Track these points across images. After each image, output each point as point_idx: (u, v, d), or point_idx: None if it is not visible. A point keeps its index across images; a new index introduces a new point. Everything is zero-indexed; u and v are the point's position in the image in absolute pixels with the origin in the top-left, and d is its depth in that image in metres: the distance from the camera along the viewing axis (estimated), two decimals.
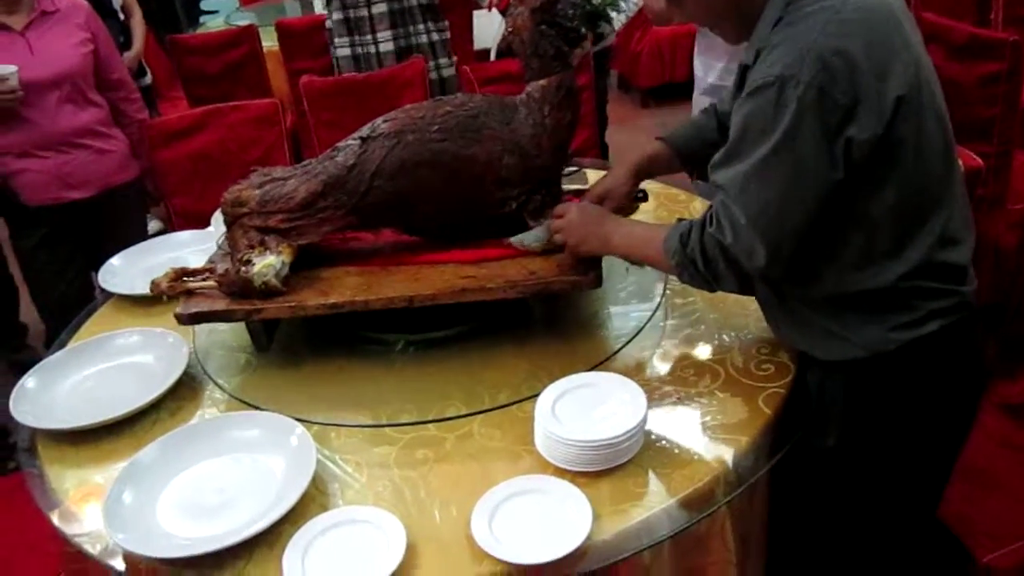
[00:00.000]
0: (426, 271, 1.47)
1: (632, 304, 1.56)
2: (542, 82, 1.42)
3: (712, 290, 1.26)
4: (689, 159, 1.50)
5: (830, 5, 1.08)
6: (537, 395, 1.27)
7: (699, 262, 1.19)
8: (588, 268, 1.40)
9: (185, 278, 1.53)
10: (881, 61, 1.06)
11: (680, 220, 1.26)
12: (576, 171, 1.80)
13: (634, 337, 1.46)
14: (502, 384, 1.37)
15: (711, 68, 2.23)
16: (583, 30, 1.40)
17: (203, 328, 1.62)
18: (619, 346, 1.44)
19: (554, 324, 1.49)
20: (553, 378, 1.30)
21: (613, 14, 1.46)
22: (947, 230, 1.15)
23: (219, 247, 1.61)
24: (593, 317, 1.54)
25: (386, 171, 1.46)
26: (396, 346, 1.51)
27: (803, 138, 1.05)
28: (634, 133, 4.56)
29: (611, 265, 1.48)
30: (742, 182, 1.11)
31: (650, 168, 1.52)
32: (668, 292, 1.58)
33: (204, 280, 1.51)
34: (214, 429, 1.32)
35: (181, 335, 1.56)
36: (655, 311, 1.53)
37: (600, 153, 2.82)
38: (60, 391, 1.50)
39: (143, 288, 1.75)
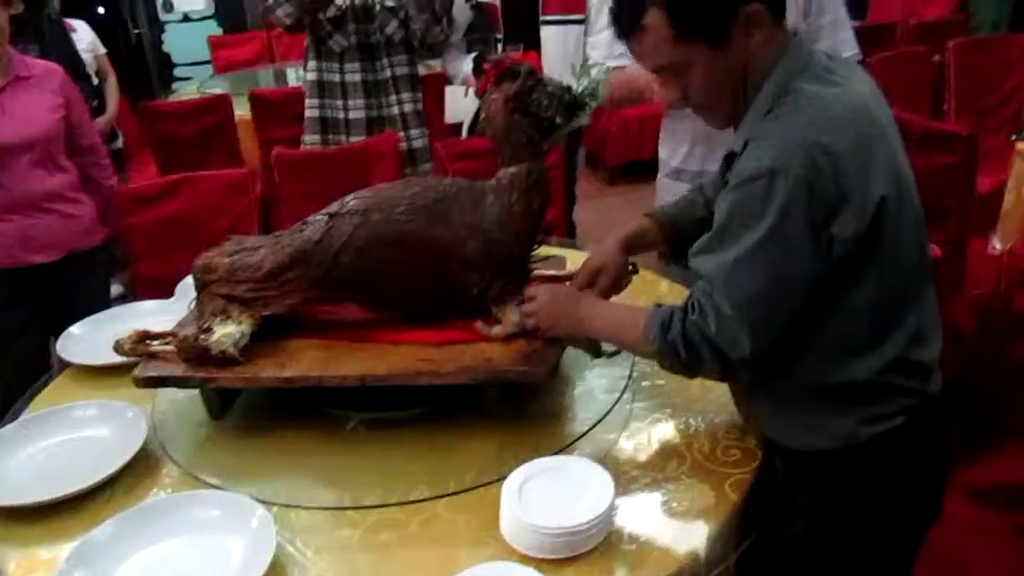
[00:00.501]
0: (387, 350, 1.47)
1: (600, 385, 1.55)
2: (512, 169, 1.45)
3: (692, 377, 1.26)
4: (676, 236, 1.51)
5: (820, 101, 1.11)
6: (504, 477, 1.25)
7: (681, 350, 1.18)
8: (545, 359, 1.40)
9: (148, 341, 1.54)
10: (866, 161, 1.09)
11: (658, 305, 1.26)
12: (555, 257, 1.79)
13: (601, 419, 1.45)
14: (468, 465, 1.35)
15: (675, 152, 2.28)
16: (558, 119, 1.43)
17: (164, 399, 1.60)
18: (586, 428, 1.43)
19: (520, 405, 1.48)
20: (520, 460, 1.28)
21: (592, 102, 1.48)
22: (920, 327, 1.17)
23: (190, 311, 1.60)
24: (560, 397, 1.54)
25: (351, 248, 1.47)
26: (351, 423, 1.50)
27: (790, 231, 1.07)
28: (601, 210, 4.63)
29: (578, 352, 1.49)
30: (727, 271, 1.12)
31: (639, 242, 1.54)
32: (635, 374, 1.58)
33: (166, 344, 1.51)
34: (172, 508, 1.28)
35: (141, 408, 1.52)
36: (622, 393, 1.52)
37: (567, 231, 2.86)
38: (11, 465, 1.45)
39: (103, 358, 1.73)
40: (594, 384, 1.56)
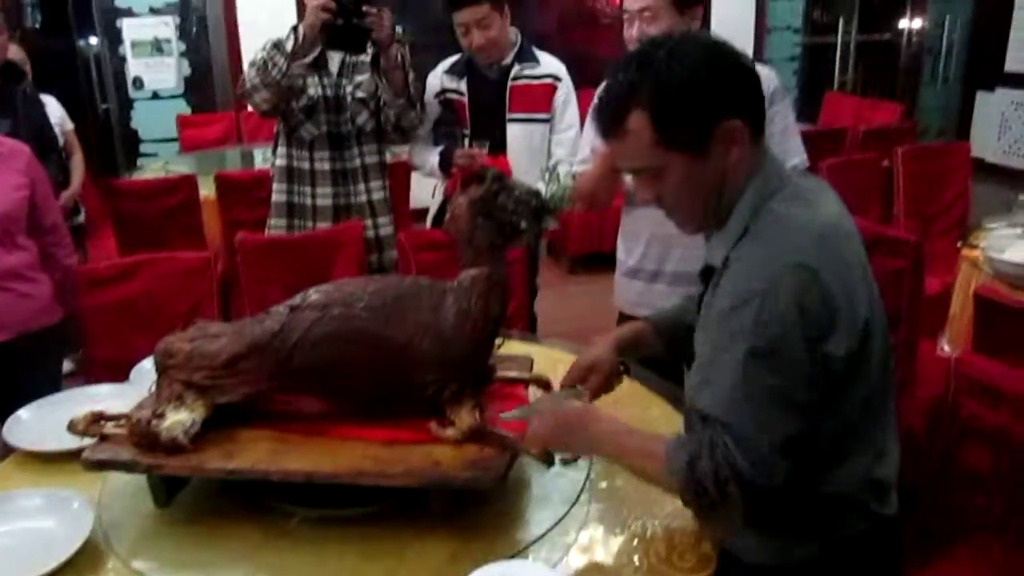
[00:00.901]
0: (337, 446, 1.46)
1: (556, 487, 1.55)
2: (472, 271, 1.46)
3: (711, 517, 1.24)
4: (672, 341, 1.52)
5: (798, 223, 1.14)
6: None
7: (710, 487, 1.15)
8: (495, 465, 1.39)
9: (103, 422, 1.53)
10: (848, 282, 1.12)
11: (679, 436, 1.25)
12: (521, 357, 1.80)
13: (557, 523, 1.44)
14: (420, 570, 1.34)
15: (632, 252, 2.33)
16: (523, 224, 1.45)
17: (112, 487, 1.57)
18: (542, 532, 1.42)
19: (469, 510, 1.46)
20: (474, 564, 1.27)
21: (561, 206, 1.51)
22: (884, 443, 1.20)
23: (150, 394, 1.59)
24: (516, 499, 1.52)
25: (308, 342, 1.48)
26: (295, 519, 1.47)
27: (787, 352, 1.09)
28: (562, 299, 4.68)
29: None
30: (732, 403, 1.12)
31: (633, 345, 1.56)
32: (593, 475, 1.58)
33: (120, 426, 1.51)
34: None
35: (88, 497, 1.49)
36: (579, 495, 1.52)
37: (529, 324, 2.88)
38: None
39: (51, 444, 1.70)
40: (550, 486, 1.55)
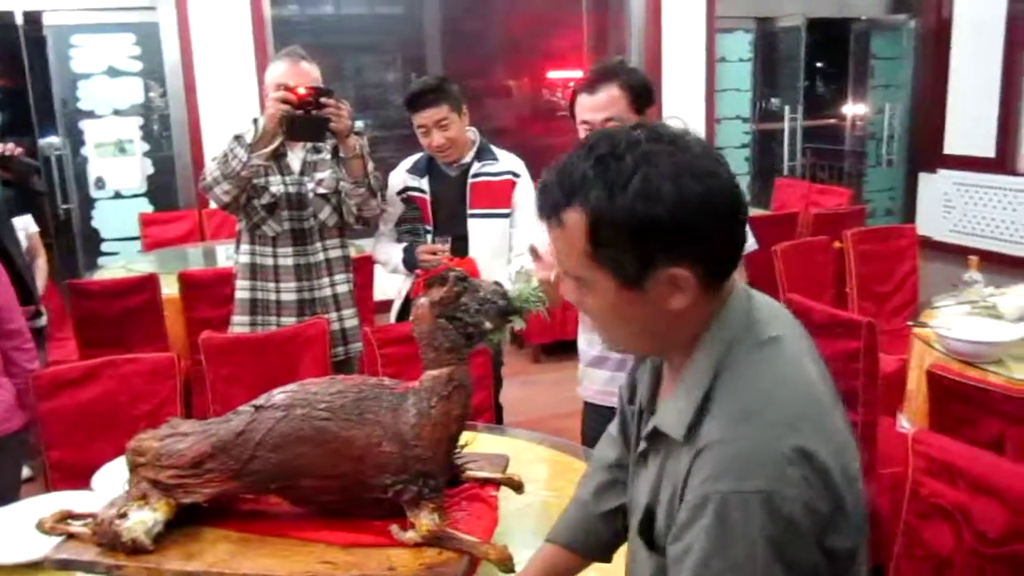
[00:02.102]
0: (296, 548, 1.47)
1: None
2: (433, 372, 1.48)
3: None
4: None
5: (781, 388, 1.01)
6: None
7: None
8: (452, 572, 1.38)
9: (70, 520, 1.55)
10: (844, 455, 1.00)
11: None
12: (497, 455, 1.79)
13: None
14: None
15: (593, 343, 2.37)
16: (487, 325, 1.48)
17: None
18: None
19: None
20: None
21: (529, 307, 1.48)
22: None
23: (123, 492, 1.58)
24: None
25: (269, 442, 1.50)
26: None
27: (797, 557, 0.94)
28: (527, 388, 4.70)
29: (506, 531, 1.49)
30: None
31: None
32: None
33: (86, 526, 1.52)
34: None
35: None
36: None
37: (495, 415, 2.89)
38: None
39: (8, 556, 1.66)
40: None
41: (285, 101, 2.59)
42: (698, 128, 5.28)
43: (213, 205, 3.92)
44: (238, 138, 2.71)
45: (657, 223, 0.97)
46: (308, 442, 1.48)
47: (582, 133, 2.24)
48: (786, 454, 0.94)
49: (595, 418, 2.45)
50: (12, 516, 1.84)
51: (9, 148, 2.93)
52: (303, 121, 2.62)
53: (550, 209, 1.04)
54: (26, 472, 3.26)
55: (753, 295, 1.13)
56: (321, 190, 2.87)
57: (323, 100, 2.61)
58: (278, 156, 2.82)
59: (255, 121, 2.75)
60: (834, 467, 0.96)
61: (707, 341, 1.05)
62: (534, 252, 2.20)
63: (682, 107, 6.48)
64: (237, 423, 1.53)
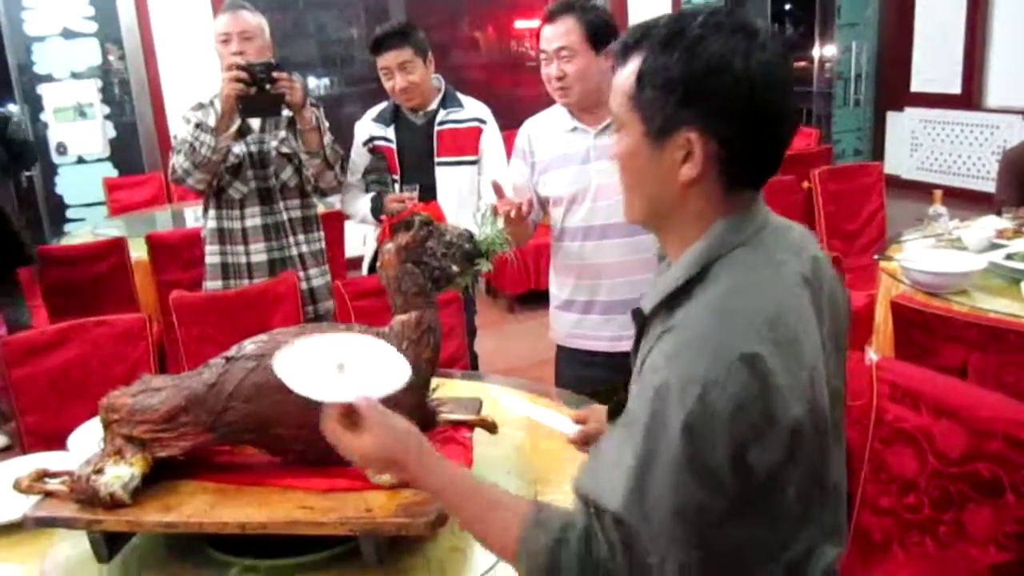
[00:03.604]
0: (275, 496, 1.48)
1: None
2: (402, 317, 1.49)
3: None
4: None
5: (758, 294, 1.02)
6: None
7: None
8: (427, 511, 1.39)
9: (47, 479, 1.54)
10: (795, 372, 0.99)
11: (540, 504, 1.10)
12: (471, 399, 1.80)
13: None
14: None
15: (563, 286, 2.41)
16: (454, 268, 1.48)
17: (58, 554, 1.56)
18: (488, 566, 1.43)
19: (416, 549, 1.48)
20: None
21: (495, 250, 1.49)
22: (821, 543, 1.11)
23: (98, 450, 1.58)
24: (457, 540, 1.52)
25: (242, 393, 1.50)
26: (232, 570, 1.48)
27: (707, 454, 0.95)
28: (502, 338, 4.72)
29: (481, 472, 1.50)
30: (644, 508, 0.97)
31: None
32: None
33: (63, 483, 1.51)
34: None
35: (30, 570, 1.47)
36: None
37: (470, 363, 2.90)
38: None
39: None
40: None
41: (237, 79, 2.57)
42: None
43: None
44: (199, 125, 2.67)
45: (691, 78, 1.02)
46: (280, 391, 1.47)
47: (542, 64, 2.28)
48: (739, 355, 0.96)
49: (566, 360, 2.48)
50: None
51: None
52: (257, 98, 2.61)
53: (622, 49, 1.10)
54: (4, 441, 3.27)
55: (779, 230, 1.12)
56: (284, 149, 2.84)
57: (275, 75, 2.60)
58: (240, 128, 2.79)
59: (211, 103, 2.73)
60: (783, 384, 0.97)
61: (710, 234, 1.07)
62: (497, 188, 2.21)
63: None
64: (209, 375, 1.53)
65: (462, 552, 1.49)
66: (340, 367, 1.23)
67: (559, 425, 1.63)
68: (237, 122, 2.73)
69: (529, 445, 1.86)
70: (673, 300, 1.07)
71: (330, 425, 1.18)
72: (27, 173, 5.60)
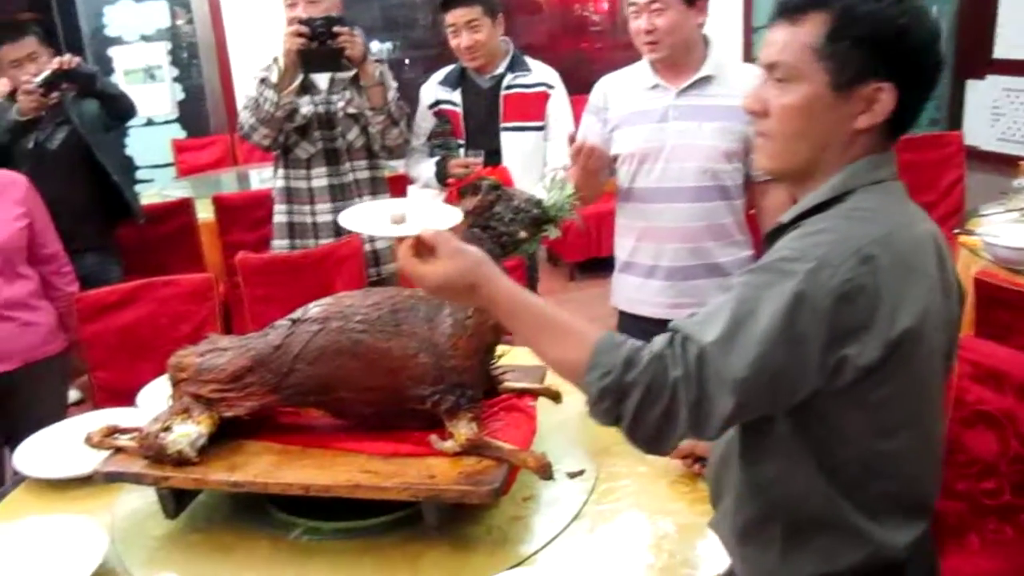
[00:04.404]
0: (339, 459, 1.48)
1: (564, 492, 1.54)
2: None
3: (615, 423, 1.08)
4: None
5: (884, 215, 1.06)
6: None
7: (635, 395, 1.03)
8: (490, 479, 1.38)
9: (117, 435, 1.59)
10: (902, 291, 1.03)
11: (616, 332, 1.11)
12: (534, 367, 1.76)
13: (564, 529, 1.44)
14: None
15: (624, 248, 2.37)
16: (522, 234, 1.45)
17: (125, 508, 1.59)
18: (548, 540, 1.42)
19: (476, 517, 1.47)
20: (484, 573, 1.29)
21: (563, 216, 1.46)
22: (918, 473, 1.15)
23: (167, 407, 1.61)
24: (518, 508, 1.51)
25: (307, 355, 1.50)
26: (295, 532, 1.49)
27: (804, 329, 1.00)
28: (562, 304, 4.66)
29: (544, 441, 1.49)
30: (727, 338, 1.01)
31: None
32: (598, 483, 1.57)
33: (133, 439, 1.55)
34: None
35: (100, 523, 1.49)
36: (586, 501, 1.52)
37: None
38: None
39: (60, 471, 1.71)
40: (557, 492, 1.54)
41: (298, 34, 2.57)
42: (733, 37, 5.09)
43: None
44: (263, 81, 2.70)
45: (893, 31, 1.06)
46: (345, 354, 1.48)
47: (630, 18, 2.23)
48: (858, 249, 1.01)
49: (626, 327, 2.44)
50: (62, 433, 1.88)
51: (66, 60, 2.93)
52: (318, 53, 2.61)
53: (795, 8, 1.11)
54: (77, 395, 3.35)
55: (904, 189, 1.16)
56: (350, 109, 2.83)
57: (336, 29, 2.59)
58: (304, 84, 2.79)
59: (275, 60, 2.72)
60: (893, 292, 1.02)
61: (856, 166, 1.11)
62: (570, 139, 2.19)
63: (717, 11, 6.23)
64: (274, 337, 1.54)
65: (524, 521, 1.48)
66: (401, 218, 1.23)
67: None
68: (300, 78, 2.72)
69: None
70: (809, 216, 1.12)
71: (405, 259, 1.19)
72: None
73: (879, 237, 1.03)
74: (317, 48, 2.60)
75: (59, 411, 2.43)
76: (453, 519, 1.44)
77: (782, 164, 1.17)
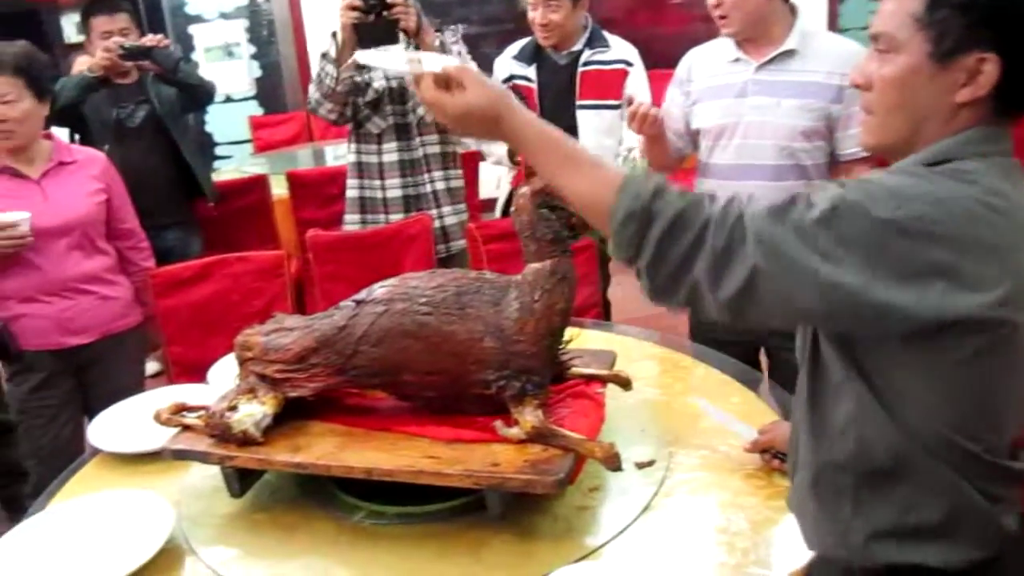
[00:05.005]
0: (402, 443, 1.45)
1: (632, 483, 1.49)
2: (536, 265, 1.41)
3: (636, 257, 1.04)
4: None
5: (989, 181, 1.00)
6: None
7: (662, 223, 1.00)
8: (556, 469, 1.33)
9: (184, 413, 1.59)
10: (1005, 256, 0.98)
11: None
12: (604, 352, 1.73)
13: (633, 522, 1.39)
14: (498, 569, 1.31)
15: None
16: None
17: (192, 486, 1.60)
18: (616, 532, 1.37)
19: (543, 507, 1.43)
20: (550, 565, 1.25)
21: None
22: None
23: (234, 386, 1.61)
24: (586, 498, 1.46)
25: (372, 337, 1.47)
26: (358, 515, 1.47)
27: (891, 244, 0.95)
28: (636, 286, 4.59)
29: (613, 430, 1.45)
30: (781, 213, 0.98)
31: None
32: (670, 467, 1.52)
33: (200, 418, 1.55)
34: None
35: (169, 500, 1.51)
36: (659, 486, 1.47)
37: (602, 312, 2.82)
38: (35, 558, 1.42)
39: (134, 445, 1.73)
40: (626, 483, 1.49)
41: (352, 7, 2.57)
42: (819, 3, 4.86)
43: None
44: (324, 56, 2.70)
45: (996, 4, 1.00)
46: (409, 337, 1.44)
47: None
48: (966, 199, 0.96)
49: None
50: (135, 408, 1.91)
51: (154, 39, 2.98)
52: (372, 26, 2.60)
53: None
54: (156, 367, 3.43)
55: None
56: None
57: (390, 0, 2.58)
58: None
59: (334, 35, 2.71)
60: (990, 247, 0.96)
61: (962, 136, 1.04)
62: (629, 100, 2.20)
63: None
64: (339, 318, 1.51)
65: (591, 512, 1.44)
66: (417, 60, 1.21)
67: (741, 431, 1.57)
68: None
69: (662, 402, 1.77)
70: None
71: (428, 91, 1.18)
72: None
73: (988, 197, 0.97)
74: (372, 21, 2.59)
75: (136, 383, 2.47)
76: (517, 507, 1.40)
77: (881, 139, 1.11)
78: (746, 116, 2.15)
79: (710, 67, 2.26)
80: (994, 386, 1.03)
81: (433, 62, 1.20)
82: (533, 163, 1.16)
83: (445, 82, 1.16)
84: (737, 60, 2.19)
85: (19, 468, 2.65)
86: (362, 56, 1.30)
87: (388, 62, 1.30)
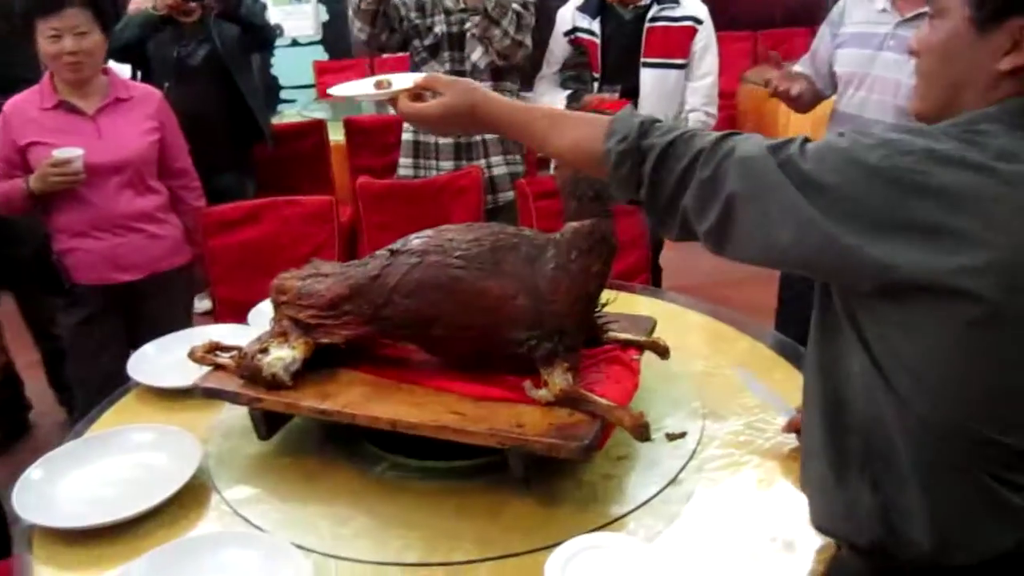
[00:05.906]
0: (429, 396, 1.43)
1: (662, 454, 1.45)
2: (575, 224, 1.36)
3: (636, 192, 1.06)
4: None
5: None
6: (550, 546, 1.19)
7: (653, 156, 1.01)
8: (582, 435, 1.29)
9: (219, 352, 1.60)
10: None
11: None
12: (643, 317, 1.68)
13: (659, 492, 1.36)
14: (515, 530, 1.29)
15: None
16: None
17: (222, 424, 1.61)
18: (642, 502, 1.34)
19: (567, 473, 1.39)
20: (568, 530, 1.23)
21: None
22: None
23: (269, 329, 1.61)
24: (612, 466, 1.43)
25: (404, 288, 1.44)
26: (380, 466, 1.46)
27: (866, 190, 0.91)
28: (689, 253, 4.47)
29: (646, 399, 1.41)
30: (778, 143, 0.97)
31: None
32: (701, 448, 1.47)
33: (232, 358, 1.56)
34: (210, 547, 1.26)
35: (197, 437, 1.52)
36: (684, 466, 1.42)
37: (651, 278, 2.75)
38: (64, 485, 1.45)
39: (170, 381, 1.75)
40: (656, 454, 1.45)
41: None
42: None
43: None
44: None
45: None
46: (441, 290, 1.41)
47: None
48: (970, 160, 0.90)
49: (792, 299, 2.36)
50: (174, 344, 1.92)
51: None
52: None
53: None
54: (207, 305, 3.48)
55: None
56: (476, 31, 2.74)
57: None
58: None
59: None
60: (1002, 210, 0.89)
61: (999, 106, 0.98)
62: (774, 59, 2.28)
63: None
64: (373, 267, 1.49)
65: (616, 480, 1.40)
66: (387, 83, 1.29)
67: (780, 408, 1.53)
68: None
69: (702, 373, 1.71)
70: None
71: (407, 107, 1.25)
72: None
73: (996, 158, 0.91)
74: None
75: (184, 321, 2.50)
76: (541, 470, 1.37)
77: (925, 106, 1.07)
78: (876, 70, 2.12)
79: (860, 12, 2.22)
80: (1005, 369, 0.94)
81: (402, 80, 1.28)
82: (520, 139, 1.21)
83: (418, 95, 1.25)
84: (884, 10, 2.14)
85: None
86: (335, 90, 1.35)
87: (359, 90, 1.34)
